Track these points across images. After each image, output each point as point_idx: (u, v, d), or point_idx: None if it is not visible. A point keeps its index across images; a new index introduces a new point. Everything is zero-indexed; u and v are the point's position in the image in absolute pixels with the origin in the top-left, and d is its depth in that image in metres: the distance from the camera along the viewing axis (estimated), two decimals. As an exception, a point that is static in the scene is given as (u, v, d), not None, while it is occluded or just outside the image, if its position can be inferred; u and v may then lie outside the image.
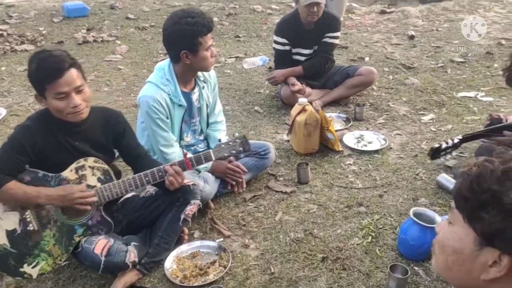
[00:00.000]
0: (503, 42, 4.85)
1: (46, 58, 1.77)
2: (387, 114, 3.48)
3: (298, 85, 3.51)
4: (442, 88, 3.89)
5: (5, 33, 5.89)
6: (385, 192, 2.56)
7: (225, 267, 2.07)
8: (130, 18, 6.67)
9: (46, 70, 1.75)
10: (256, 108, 3.76)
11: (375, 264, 2.04)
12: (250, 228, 2.35)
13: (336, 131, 3.02)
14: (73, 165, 1.89)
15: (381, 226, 2.28)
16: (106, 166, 1.94)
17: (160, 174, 1.96)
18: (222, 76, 4.41)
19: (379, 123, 3.36)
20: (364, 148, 3.02)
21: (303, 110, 2.93)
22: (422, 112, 3.49)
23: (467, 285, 0.87)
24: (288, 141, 3.17)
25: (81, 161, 1.90)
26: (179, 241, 2.21)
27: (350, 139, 3.14)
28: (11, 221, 1.84)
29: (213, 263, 2.11)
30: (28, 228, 1.85)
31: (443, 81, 4.04)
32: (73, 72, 1.78)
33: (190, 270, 2.06)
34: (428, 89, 3.89)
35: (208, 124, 2.64)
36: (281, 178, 2.78)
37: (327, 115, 3.10)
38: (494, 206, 0.79)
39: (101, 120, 1.98)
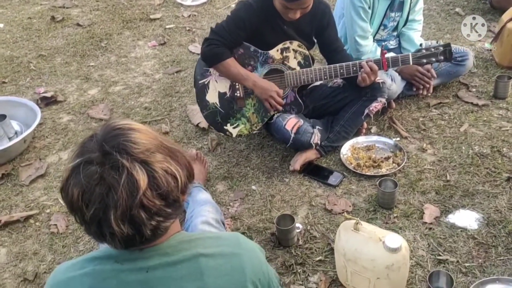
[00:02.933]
0: None
1: None
2: None
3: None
4: None
5: None
6: None
7: (398, 164, 2.12)
8: None
9: None
10: (457, 9, 3.37)
11: None
12: (429, 134, 2.30)
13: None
14: (280, 46, 2.07)
15: None
16: (307, 52, 2.08)
17: (354, 68, 2.02)
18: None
19: None
20: None
21: (520, 15, 2.54)
22: None
23: None
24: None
25: (287, 43, 2.07)
26: (357, 133, 2.31)
27: None
28: (223, 85, 2.17)
29: (387, 158, 2.18)
30: (235, 94, 2.16)
31: None
32: None
33: (364, 160, 2.17)
34: None
35: (406, 21, 2.50)
36: (474, 89, 2.56)
37: (550, 24, 2.62)
38: None
39: (311, 10, 2.03)
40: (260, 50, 2.10)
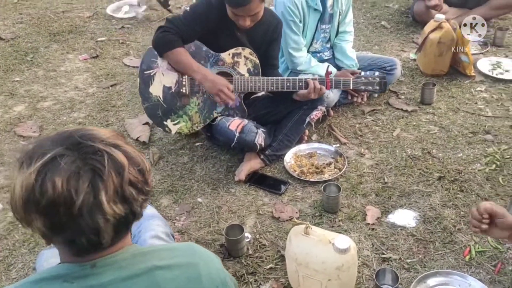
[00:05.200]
0: None
1: None
2: (533, 42, 3.12)
3: (435, 0, 3.24)
4: None
5: None
6: (517, 124, 2.41)
7: (340, 169, 2.19)
8: None
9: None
10: (383, 23, 3.60)
11: (495, 191, 2.01)
12: (366, 139, 2.41)
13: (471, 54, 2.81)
14: (232, 50, 2.11)
15: (507, 157, 2.19)
16: (257, 60, 2.13)
17: (300, 84, 2.11)
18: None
19: (522, 51, 3.04)
20: (500, 76, 2.80)
21: (439, 27, 2.75)
22: None
23: None
24: (414, 60, 3.04)
25: (239, 49, 2.11)
26: (299, 141, 2.37)
27: (485, 65, 2.91)
28: (170, 79, 2.13)
29: (329, 164, 2.24)
30: (181, 90, 2.14)
31: None
32: (254, 4, 1.90)
33: (307, 167, 2.22)
34: None
35: (337, 33, 2.62)
36: (403, 96, 2.73)
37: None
38: None
39: (265, 23, 2.11)
40: (212, 51, 2.12)
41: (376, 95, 2.66)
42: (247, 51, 2.10)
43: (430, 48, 2.78)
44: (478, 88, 2.73)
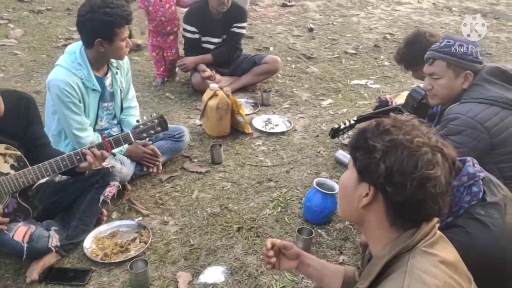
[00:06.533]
0: (388, 36, 5.50)
1: None
2: (291, 100, 3.78)
3: (208, 72, 3.65)
4: (338, 77, 4.31)
5: None
6: (291, 168, 2.83)
7: (145, 242, 2.15)
8: (23, 0, 6.20)
9: None
10: (167, 94, 3.82)
11: (284, 230, 2.28)
12: (168, 207, 2.45)
13: (245, 115, 3.22)
14: None
15: (288, 198, 2.53)
16: (18, 153, 1.89)
17: (78, 157, 1.96)
18: (129, 63, 4.36)
19: (284, 108, 3.64)
20: (272, 130, 3.27)
21: (215, 95, 3.08)
22: (321, 98, 3.85)
23: (351, 214, 1.14)
24: (200, 125, 3.30)
25: None
26: (98, 222, 2.24)
27: (258, 122, 3.36)
28: None
29: (133, 240, 2.18)
30: None
31: (339, 70, 4.47)
32: None
33: (111, 248, 2.11)
34: (326, 77, 4.28)
35: (122, 109, 2.66)
36: (196, 160, 2.91)
37: (237, 100, 3.28)
38: (363, 147, 1.05)
39: (11, 106, 1.88)
40: None
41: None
42: (1, 147, 1.85)
43: (211, 113, 3.07)
44: (257, 143, 3.12)
